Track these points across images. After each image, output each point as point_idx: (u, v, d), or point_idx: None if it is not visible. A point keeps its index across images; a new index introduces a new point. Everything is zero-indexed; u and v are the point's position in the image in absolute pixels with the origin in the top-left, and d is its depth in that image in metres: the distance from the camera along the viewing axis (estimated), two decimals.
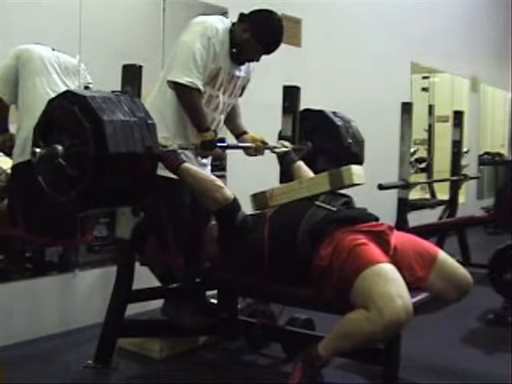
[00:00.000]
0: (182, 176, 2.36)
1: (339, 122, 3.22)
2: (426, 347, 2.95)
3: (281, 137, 3.11)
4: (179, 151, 2.41)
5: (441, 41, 6.87)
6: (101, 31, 3.40)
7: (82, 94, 2.12)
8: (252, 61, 2.77)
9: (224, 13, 3.95)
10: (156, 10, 3.70)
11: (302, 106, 3.23)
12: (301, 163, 2.78)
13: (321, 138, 3.21)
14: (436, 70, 7.47)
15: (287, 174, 2.80)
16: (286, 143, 2.90)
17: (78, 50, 3.21)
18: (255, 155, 2.84)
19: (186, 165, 2.37)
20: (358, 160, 3.15)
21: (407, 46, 6.26)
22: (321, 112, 3.28)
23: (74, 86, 3.12)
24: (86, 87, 3.17)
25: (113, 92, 2.20)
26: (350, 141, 3.20)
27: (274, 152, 2.85)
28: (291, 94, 3.16)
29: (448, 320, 3.16)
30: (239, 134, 2.90)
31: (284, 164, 2.84)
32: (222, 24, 2.66)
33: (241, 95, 2.88)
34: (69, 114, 2.05)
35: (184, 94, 2.55)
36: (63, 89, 2.85)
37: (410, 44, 6.30)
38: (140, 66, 2.53)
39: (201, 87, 2.55)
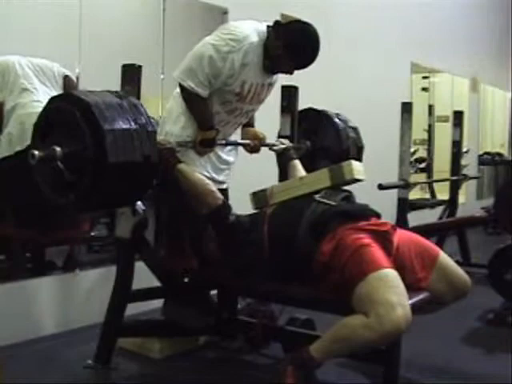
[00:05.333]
0: (176, 175, 2.37)
1: (338, 122, 3.22)
2: (426, 347, 2.95)
3: (280, 136, 3.11)
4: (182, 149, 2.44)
5: (441, 41, 6.87)
6: (101, 31, 3.40)
7: (85, 99, 2.09)
8: (285, 73, 2.65)
9: (224, 13, 3.95)
10: (156, 10, 3.70)
11: (302, 106, 3.23)
12: (297, 162, 2.78)
13: (320, 138, 3.22)
14: (436, 70, 7.47)
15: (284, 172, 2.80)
16: (285, 141, 2.90)
17: (78, 50, 3.21)
18: (251, 152, 2.83)
19: (182, 165, 2.39)
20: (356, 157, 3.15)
21: (407, 46, 6.26)
22: (320, 112, 3.28)
23: (50, 87, 3.10)
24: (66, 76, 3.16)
25: (112, 92, 2.20)
26: (349, 139, 3.21)
27: (272, 150, 2.85)
28: (289, 93, 3.16)
29: (448, 320, 3.15)
30: (245, 124, 2.83)
31: (282, 162, 2.84)
32: (256, 36, 2.52)
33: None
34: (70, 117, 2.05)
35: (186, 95, 2.53)
36: (41, 93, 2.94)
37: (410, 44, 6.30)
38: (140, 66, 2.54)
39: (202, 94, 2.50)
